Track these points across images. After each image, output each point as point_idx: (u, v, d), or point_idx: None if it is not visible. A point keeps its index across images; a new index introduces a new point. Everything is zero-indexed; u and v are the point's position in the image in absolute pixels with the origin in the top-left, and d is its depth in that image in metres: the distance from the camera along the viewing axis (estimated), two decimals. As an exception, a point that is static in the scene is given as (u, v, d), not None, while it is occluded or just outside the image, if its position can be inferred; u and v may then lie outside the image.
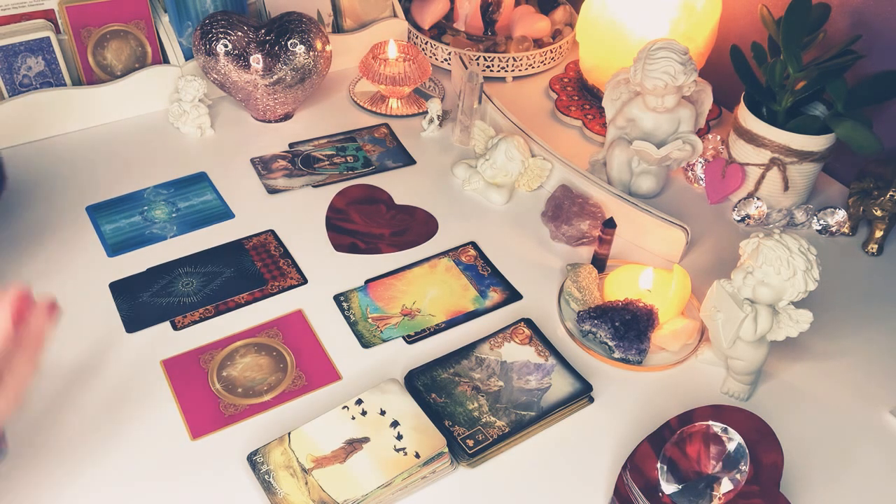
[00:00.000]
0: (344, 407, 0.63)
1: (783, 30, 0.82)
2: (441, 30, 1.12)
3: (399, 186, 0.89)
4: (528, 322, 0.73)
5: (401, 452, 0.60)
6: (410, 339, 0.72)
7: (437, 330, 0.73)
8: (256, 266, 0.78)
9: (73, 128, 0.93)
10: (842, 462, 0.65)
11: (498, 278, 0.79)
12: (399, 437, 0.61)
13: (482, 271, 0.79)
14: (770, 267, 0.63)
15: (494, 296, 0.77)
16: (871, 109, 0.85)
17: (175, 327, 0.71)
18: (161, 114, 0.96)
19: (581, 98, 1.05)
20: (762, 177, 0.87)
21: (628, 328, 0.70)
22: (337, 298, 0.75)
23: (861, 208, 0.85)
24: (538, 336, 0.72)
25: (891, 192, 0.82)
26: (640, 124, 0.86)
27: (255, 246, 0.80)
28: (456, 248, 0.81)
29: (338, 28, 1.07)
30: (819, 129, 0.84)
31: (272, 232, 0.82)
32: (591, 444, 0.65)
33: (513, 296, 0.77)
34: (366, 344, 0.71)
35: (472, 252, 0.81)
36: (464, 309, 0.75)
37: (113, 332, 0.70)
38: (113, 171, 0.88)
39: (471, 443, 0.62)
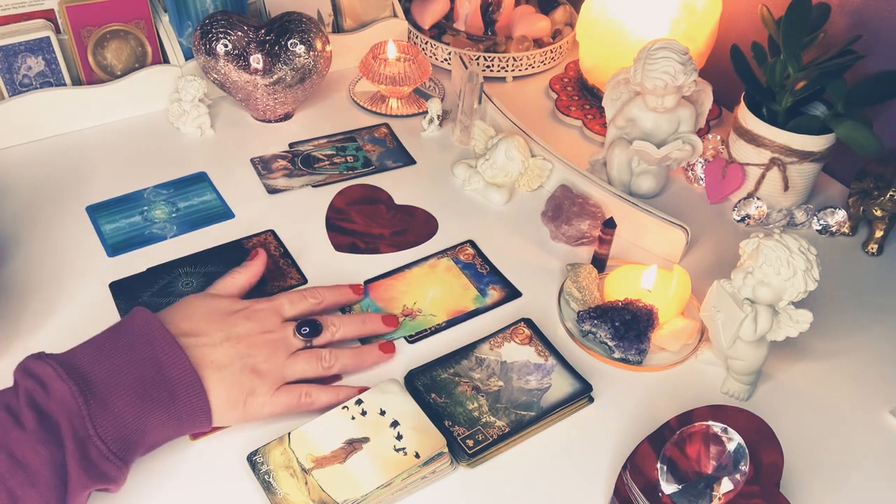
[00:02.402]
0: (344, 407, 0.63)
1: (783, 30, 0.82)
2: (441, 30, 1.12)
3: (399, 186, 0.89)
4: (528, 322, 0.73)
5: (401, 452, 0.60)
6: (412, 339, 0.72)
7: (439, 329, 0.73)
8: (256, 266, 0.77)
9: (73, 128, 0.93)
10: (842, 462, 0.65)
11: (497, 276, 0.79)
12: (399, 437, 0.61)
13: (481, 269, 0.79)
14: (770, 267, 0.63)
15: (494, 293, 0.77)
16: (871, 109, 0.85)
17: (175, 327, 0.71)
18: (161, 114, 0.96)
19: (581, 98, 1.05)
20: (762, 177, 0.87)
21: (628, 328, 0.70)
22: (337, 298, 0.75)
23: (861, 208, 0.85)
24: (538, 336, 0.72)
25: (891, 192, 0.82)
26: (640, 124, 0.86)
27: (255, 246, 0.80)
28: (454, 247, 0.82)
29: (338, 28, 1.07)
30: (819, 129, 0.84)
31: (272, 232, 0.82)
32: (591, 444, 0.65)
33: (512, 293, 0.77)
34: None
35: (470, 250, 0.81)
36: (465, 308, 0.75)
37: (113, 332, 0.70)
38: (113, 171, 0.88)
39: (471, 443, 0.62)
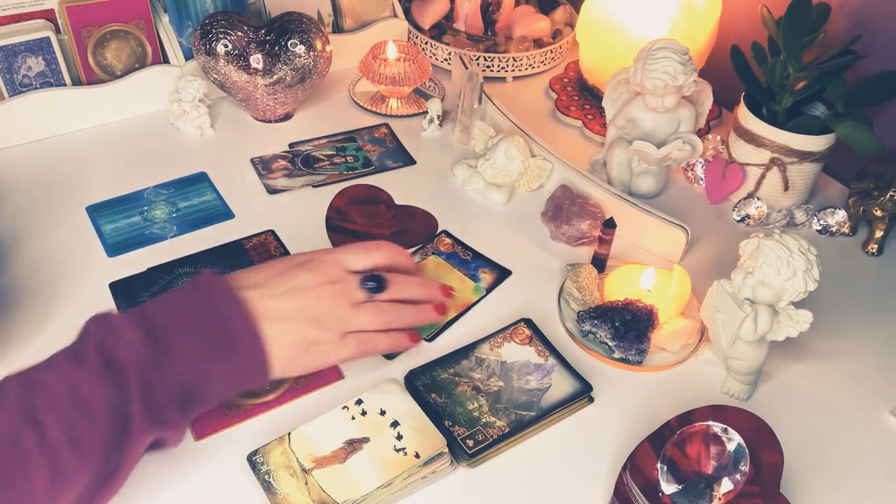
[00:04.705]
0: (344, 407, 0.63)
1: (783, 30, 0.82)
2: (441, 30, 1.12)
3: (399, 186, 0.89)
4: (528, 322, 0.73)
5: (401, 452, 0.60)
6: (430, 338, 0.72)
7: (451, 323, 0.74)
8: (256, 266, 0.77)
9: (73, 128, 0.93)
10: (842, 462, 0.65)
11: (482, 259, 0.80)
12: (399, 438, 0.61)
13: (464, 256, 0.80)
14: (770, 267, 0.63)
15: (486, 276, 0.78)
16: (871, 109, 0.85)
17: (175, 327, 0.71)
18: (161, 114, 0.96)
19: (581, 98, 1.05)
20: (762, 177, 0.87)
21: (628, 328, 0.70)
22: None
23: (861, 208, 0.85)
24: (538, 336, 0.72)
25: (891, 192, 0.82)
26: (641, 124, 0.86)
27: (255, 246, 0.80)
28: (431, 239, 0.82)
29: (338, 28, 1.07)
30: (819, 129, 0.84)
31: (272, 232, 0.82)
32: (591, 444, 0.65)
33: (502, 272, 0.78)
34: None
35: (448, 240, 0.82)
36: (469, 300, 0.76)
37: (113, 332, 0.70)
38: (113, 171, 0.88)
39: (471, 443, 0.62)
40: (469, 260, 0.79)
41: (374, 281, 0.66)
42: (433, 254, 0.80)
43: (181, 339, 0.56)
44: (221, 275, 0.62)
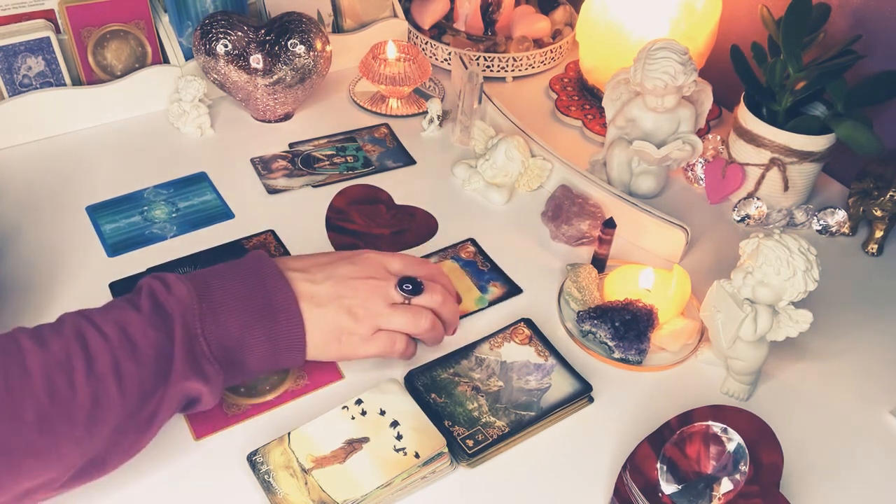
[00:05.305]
0: (344, 407, 0.63)
1: (783, 30, 0.82)
2: (441, 30, 1.12)
3: (399, 186, 0.89)
4: (528, 322, 0.73)
5: (400, 452, 0.60)
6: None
7: None
8: (256, 266, 0.77)
9: (72, 128, 0.93)
10: (842, 462, 0.65)
11: (497, 273, 0.79)
12: (399, 437, 0.61)
13: (481, 267, 0.80)
14: (770, 267, 0.63)
15: (494, 290, 0.77)
16: (871, 109, 0.85)
17: (175, 327, 0.71)
18: (161, 114, 0.96)
19: (581, 98, 1.05)
20: (762, 177, 0.87)
21: (628, 328, 0.70)
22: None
23: (861, 208, 0.85)
24: (538, 336, 0.72)
25: (891, 192, 0.82)
26: (641, 124, 0.86)
27: (255, 246, 0.80)
28: (454, 245, 0.82)
29: (338, 28, 1.07)
30: (819, 129, 0.84)
31: (272, 232, 0.82)
32: (591, 444, 0.65)
33: (512, 290, 0.78)
34: None
35: (471, 248, 0.81)
36: (467, 310, 0.75)
37: (113, 332, 0.70)
38: (113, 171, 0.88)
39: (470, 443, 0.62)
40: (485, 271, 0.79)
41: (411, 283, 0.67)
42: (452, 258, 0.80)
43: (227, 303, 0.59)
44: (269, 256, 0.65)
